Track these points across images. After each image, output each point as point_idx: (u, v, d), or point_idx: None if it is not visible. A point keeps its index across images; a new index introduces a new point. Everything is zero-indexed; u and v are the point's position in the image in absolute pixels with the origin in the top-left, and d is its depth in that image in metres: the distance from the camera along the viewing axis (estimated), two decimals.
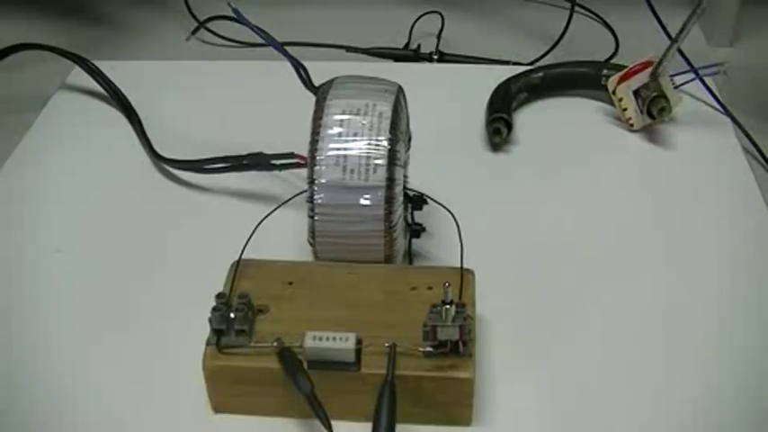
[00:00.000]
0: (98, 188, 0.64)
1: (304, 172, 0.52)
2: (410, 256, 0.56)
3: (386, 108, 0.51)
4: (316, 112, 0.52)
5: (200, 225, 0.60)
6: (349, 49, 0.80)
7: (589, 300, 0.54)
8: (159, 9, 0.89)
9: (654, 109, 0.66)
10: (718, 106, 0.69)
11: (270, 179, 0.60)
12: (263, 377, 0.46)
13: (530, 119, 0.70)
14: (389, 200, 0.50)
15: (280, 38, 0.57)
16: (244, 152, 0.58)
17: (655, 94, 0.66)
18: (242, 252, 0.50)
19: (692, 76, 0.68)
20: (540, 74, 0.71)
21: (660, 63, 0.65)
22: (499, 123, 0.66)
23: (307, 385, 0.44)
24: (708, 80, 0.69)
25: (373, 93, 0.52)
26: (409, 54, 0.80)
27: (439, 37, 0.81)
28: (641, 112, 0.67)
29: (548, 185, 0.63)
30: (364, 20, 0.86)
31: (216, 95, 0.73)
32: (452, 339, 0.45)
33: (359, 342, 0.45)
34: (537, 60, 0.79)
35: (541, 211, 0.61)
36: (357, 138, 0.50)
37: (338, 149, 0.50)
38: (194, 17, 0.86)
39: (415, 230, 0.56)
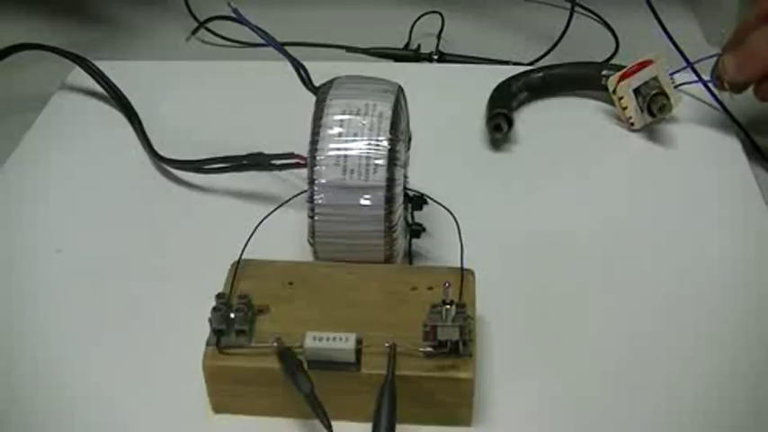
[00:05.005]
0: (98, 188, 0.63)
1: (304, 172, 0.51)
2: (410, 256, 0.56)
3: (386, 108, 0.51)
4: (316, 112, 0.52)
5: (200, 225, 0.60)
6: (349, 49, 0.80)
7: (589, 300, 0.54)
8: (159, 9, 0.89)
9: (654, 107, 0.66)
10: (718, 106, 0.69)
11: (270, 179, 0.60)
12: (263, 377, 0.46)
13: (530, 119, 0.69)
14: (389, 200, 0.50)
15: (280, 38, 0.57)
16: (244, 152, 0.58)
17: (655, 91, 0.65)
18: (242, 252, 0.50)
19: (692, 76, 0.68)
20: (541, 74, 0.71)
21: None
22: (500, 119, 0.66)
23: (307, 385, 0.44)
24: None
25: (373, 93, 0.52)
26: (409, 54, 0.80)
27: (439, 37, 0.81)
28: (642, 110, 0.67)
29: (548, 185, 0.63)
30: (364, 20, 0.86)
31: (216, 95, 0.73)
32: (452, 339, 0.45)
33: (359, 342, 0.45)
34: (537, 60, 0.79)
35: (541, 211, 0.61)
36: (357, 138, 0.50)
37: (338, 149, 0.50)
38: (194, 17, 0.86)
39: (415, 230, 0.56)
